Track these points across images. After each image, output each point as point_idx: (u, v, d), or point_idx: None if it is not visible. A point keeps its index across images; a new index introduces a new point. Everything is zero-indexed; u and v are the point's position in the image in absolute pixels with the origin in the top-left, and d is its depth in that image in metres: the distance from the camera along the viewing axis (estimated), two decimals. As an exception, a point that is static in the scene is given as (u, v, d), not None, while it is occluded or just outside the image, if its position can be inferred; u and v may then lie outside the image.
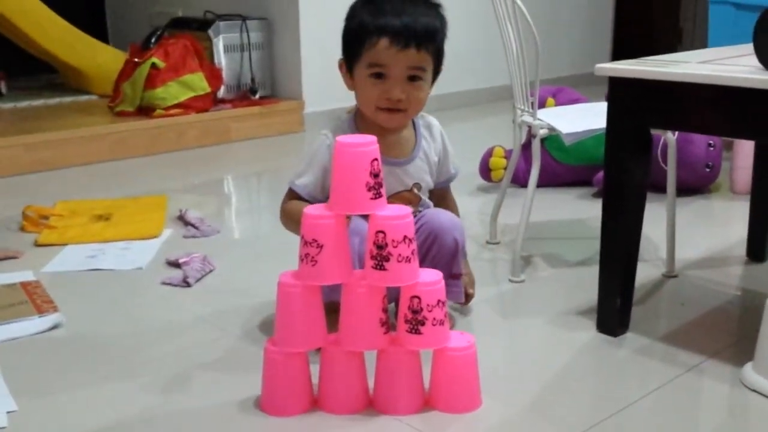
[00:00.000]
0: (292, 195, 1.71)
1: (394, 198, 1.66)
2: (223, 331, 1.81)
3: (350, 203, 1.40)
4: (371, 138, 1.41)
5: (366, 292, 1.41)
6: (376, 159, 1.39)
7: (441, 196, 1.84)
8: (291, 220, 1.67)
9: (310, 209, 1.43)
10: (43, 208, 2.68)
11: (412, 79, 1.62)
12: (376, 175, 1.39)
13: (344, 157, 1.39)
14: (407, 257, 1.39)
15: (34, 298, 1.95)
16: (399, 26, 1.57)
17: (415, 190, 1.74)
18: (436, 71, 1.69)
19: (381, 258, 1.38)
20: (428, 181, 1.77)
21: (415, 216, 1.59)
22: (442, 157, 1.80)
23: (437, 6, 1.67)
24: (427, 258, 1.69)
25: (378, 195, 1.39)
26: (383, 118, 1.66)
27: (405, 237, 1.38)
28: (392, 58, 1.59)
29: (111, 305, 1.99)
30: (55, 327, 1.82)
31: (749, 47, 1.56)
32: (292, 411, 1.46)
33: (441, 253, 1.70)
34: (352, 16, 1.65)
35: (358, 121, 1.72)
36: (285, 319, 1.45)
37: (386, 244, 1.38)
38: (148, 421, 1.46)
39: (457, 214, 1.83)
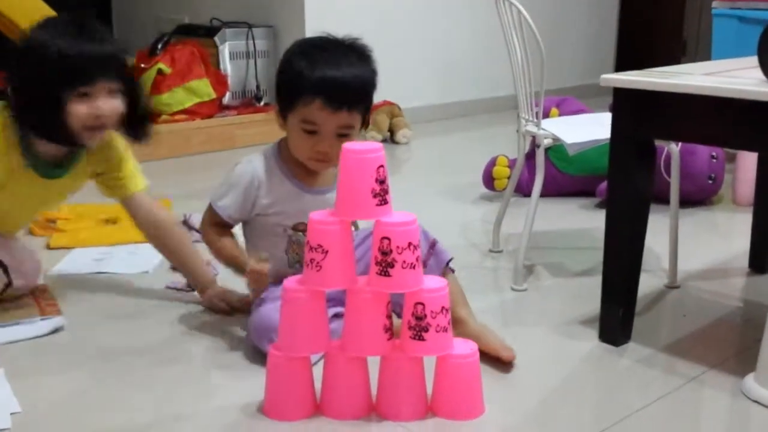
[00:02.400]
0: (212, 215, 1.79)
1: None
2: (227, 335, 1.82)
3: (356, 209, 1.41)
4: (377, 145, 1.42)
5: (370, 298, 1.42)
6: (381, 165, 1.40)
7: None
8: (215, 252, 1.82)
9: (315, 215, 1.44)
10: (49, 212, 2.69)
11: (341, 135, 1.67)
12: (381, 182, 1.40)
13: (350, 164, 1.40)
14: (412, 263, 1.40)
15: (39, 301, 1.96)
16: (332, 89, 1.62)
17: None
18: (364, 121, 1.74)
19: (386, 264, 1.39)
20: None
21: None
22: None
23: (368, 58, 1.70)
24: None
25: (384, 201, 1.40)
26: (312, 165, 1.73)
27: (410, 244, 1.39)
28: (324, 119, 1.64)
29: (116, 308, 2.00)
30: (56, 331, 1.82)
31: (753, 60, 1.57)
32: (294, 416, 1.46)
33: None
34: (287, 67, 1.69)
35: (283, 152, 1.76)
36: (289, 324, 1.45)
37: (391, 251, 1.38)
38: (150, 424, 1.47)
39: None
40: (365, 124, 1.75)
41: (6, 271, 1.91)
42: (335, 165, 1.66)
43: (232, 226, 1.81)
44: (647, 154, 1.73)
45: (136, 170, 1.98)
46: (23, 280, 1.96)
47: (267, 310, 1.65)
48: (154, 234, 2.01)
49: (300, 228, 1.73)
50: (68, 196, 2.02)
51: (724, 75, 1.66)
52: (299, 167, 1.73)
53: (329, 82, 1.62)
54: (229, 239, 1.80)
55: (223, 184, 1.78)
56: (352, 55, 1.68)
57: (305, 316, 1.44)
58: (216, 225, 1.79)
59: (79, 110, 1.73)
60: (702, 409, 1.56)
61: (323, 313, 1.46)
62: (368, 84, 1.69)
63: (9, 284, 1.92)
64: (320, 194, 1.76)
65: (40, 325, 1.83)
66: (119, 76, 1.78)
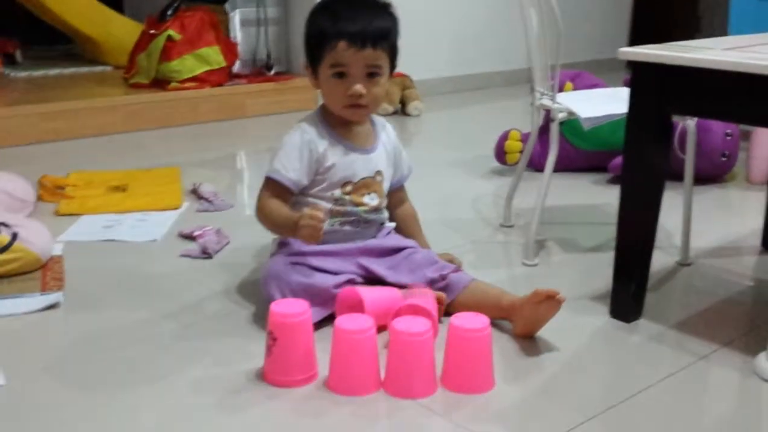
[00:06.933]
0: (270, 186, 1.76)
1: (361, 185, 1.80)
2: (238, 304, 1.82)
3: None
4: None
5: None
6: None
7: (399, 200, 1.95)
8: (268, 220, 1.76)
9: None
10: (58, 179, 2.69)
11: (371, 75, 1.73)
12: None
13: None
14: None
15: (46, 274, 1.94)
16: (355, 29, 1.70)
17: (378, 178, 1.83)
18: (392, 67, 1.79)
19: None
20: (388, 171, 1.88)
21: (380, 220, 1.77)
22: (396, 153, 1.92)
23: (387, 6, 1.78)
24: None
25: None
26: (349, 113, 1.78)
27: None
28: (351, 58, 1.71)
29: (126, 276, 1.99)
30: (50, 307, 1.78)
31: (774, 35, 1.54)
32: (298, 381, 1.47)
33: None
34: (311, 22, 1.77)
35: (326, 115, 1.82)
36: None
37: None
38: (157, 395, 1.47)
39: (416, 217, 1.97)
40: (392, 71, 1.79)
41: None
42: (372, 112, 1.81)
43: (292, 195, 1.77)
44: (664, 129, 1.70)
45: None
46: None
47: (280, 262, 1.75)
48: None
49: (347, 191, 1.78)
50: None
51: (745, 50, 1.63)
52: (343, 127, 1.79)
53: (351, 22, 1.70)
54: (279, 202, 1.75)
55: (278, 154, 1.77)
56: (371, 3, 1.76)
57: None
58: (274, 198, 1.75)
59: None
60: (712, 387, 1.55)
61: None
62: (390, 27, 1.74)
63: (14, 236, 1.93)
64: (366, 153, 1.82)
65: (37, 300, 1.79)
66: None
